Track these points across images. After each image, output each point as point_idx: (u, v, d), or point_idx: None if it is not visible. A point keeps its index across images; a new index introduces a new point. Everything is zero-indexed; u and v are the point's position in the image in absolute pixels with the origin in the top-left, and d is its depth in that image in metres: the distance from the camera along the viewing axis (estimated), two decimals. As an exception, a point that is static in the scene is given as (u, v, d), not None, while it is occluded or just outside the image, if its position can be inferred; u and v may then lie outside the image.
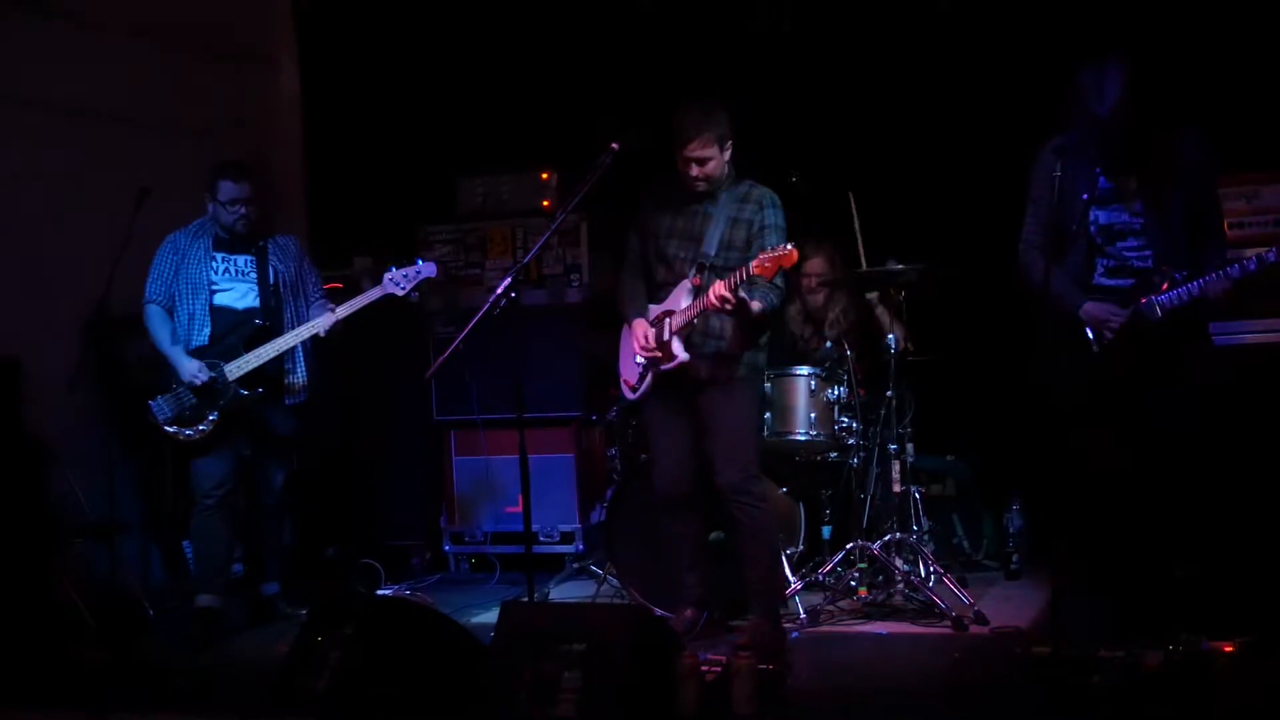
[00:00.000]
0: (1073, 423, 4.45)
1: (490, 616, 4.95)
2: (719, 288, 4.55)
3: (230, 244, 5.65)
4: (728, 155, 4.83)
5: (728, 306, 4.56)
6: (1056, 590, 4.00)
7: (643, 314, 4.95)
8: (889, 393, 5.54)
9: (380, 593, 6.23)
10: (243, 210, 5.58)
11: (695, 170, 4.78)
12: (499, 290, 4.51)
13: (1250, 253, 4.30)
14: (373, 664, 3.94)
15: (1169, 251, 4.39)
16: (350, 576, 6.55)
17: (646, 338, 4.86)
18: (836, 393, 5.57)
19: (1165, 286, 4.36)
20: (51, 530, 5.73)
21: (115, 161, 6.41)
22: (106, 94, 6.54)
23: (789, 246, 4.45)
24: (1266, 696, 3.66)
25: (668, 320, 4.83)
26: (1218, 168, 4.46)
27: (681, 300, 4.83)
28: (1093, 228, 4.50)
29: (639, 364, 4.96)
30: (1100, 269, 4.53)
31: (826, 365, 5.62)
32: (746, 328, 4.84)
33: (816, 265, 6.07)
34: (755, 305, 4.66)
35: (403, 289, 5.59)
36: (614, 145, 4.63)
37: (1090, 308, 4.46)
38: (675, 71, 6.57)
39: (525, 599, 4.81)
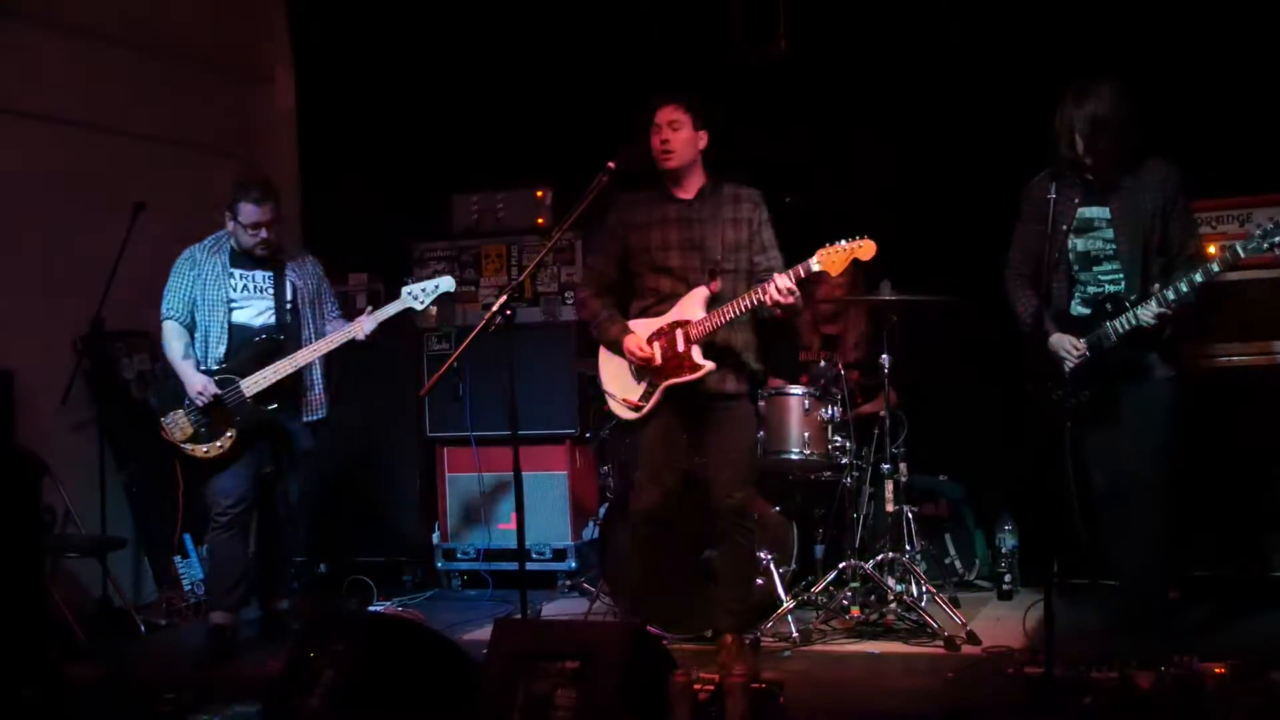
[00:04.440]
0: (1069, 444, 4.47)
1: (483, 634, 4.94)
2: (782, 280, 4.51)
3: (247, 260, 5.49)
4: (702, 145, 4.83)
5: (791, 298, 4.52)
6: (1049, 610, 4.00)
7: (629, 330, 4.83)
8: (881, 412, 5.56)
9: (372, 609, 6.23)
10: (264, 234, 5.40)
11: (666, 135, 4.77)
12: (494, 308, 4.49)
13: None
14: (365, 681, 3.93)
15: (1143, 276, 4.42)
16: (342, 593, 6.55)
17: (640, 349, 4.74)
18: (830, 412, 5.58)
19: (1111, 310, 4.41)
20: (43, 544, 5.71)
21: (110, 174, 6.42)
22: (102, 106, 6.55)
23: (863, 238, 4.47)
24: (1256, 718, 3.67)
25: (680, 331, 4.76)
26: (1190, 193, 4.50)
27: (695, 309, 4.75)
28: (1071, 255, 4.54)
29: (640, 379, 4.86)
30: (1076, 297, 4.57)
31: (821, 382, 5.63)
32: (765, 332, 4.81)
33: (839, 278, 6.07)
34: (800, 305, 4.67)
35: (422, 303, 5.47)
36: (611, 164, 4.62)
37: (1055, 340, 4.51)
38: (673, 89, 6.58)
39: (518, 616, 4.80)
